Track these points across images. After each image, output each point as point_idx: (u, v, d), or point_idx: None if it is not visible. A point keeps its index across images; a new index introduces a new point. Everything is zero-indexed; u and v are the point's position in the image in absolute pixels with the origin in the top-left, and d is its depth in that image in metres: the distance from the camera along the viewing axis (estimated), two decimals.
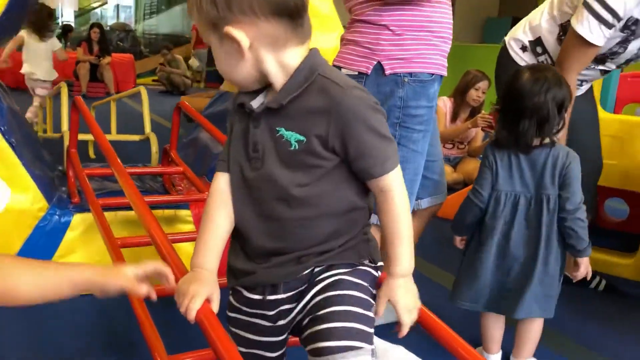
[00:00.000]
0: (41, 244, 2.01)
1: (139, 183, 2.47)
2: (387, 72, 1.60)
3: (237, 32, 0.88)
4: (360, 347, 0.90)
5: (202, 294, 0.93)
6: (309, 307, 0.95)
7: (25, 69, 4.93)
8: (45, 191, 2.05)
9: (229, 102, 1.02)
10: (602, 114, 2.77)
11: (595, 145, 2.35)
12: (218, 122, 2.17)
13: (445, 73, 1.69)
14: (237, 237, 1.00)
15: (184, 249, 1.98)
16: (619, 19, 1.84)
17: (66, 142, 2.64)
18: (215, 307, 0.94)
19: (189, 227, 2.19)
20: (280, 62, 0.91)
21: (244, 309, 1.02)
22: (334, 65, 1.75)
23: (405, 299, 0.95)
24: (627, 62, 2.12)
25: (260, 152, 0.94)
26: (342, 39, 1.78)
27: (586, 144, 1.93)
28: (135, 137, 3.37)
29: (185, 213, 2.20)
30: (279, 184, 0.93)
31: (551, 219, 1.61)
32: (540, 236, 1.60)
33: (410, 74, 1.61)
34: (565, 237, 1.61)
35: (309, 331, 0.93)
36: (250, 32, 0.88)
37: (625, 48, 2.00)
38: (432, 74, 1.64)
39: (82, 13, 16.52)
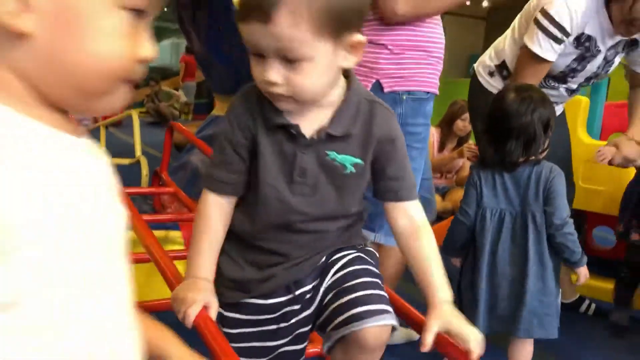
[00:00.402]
0: None
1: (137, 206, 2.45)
2: (386, 90, 1.64)
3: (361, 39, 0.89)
4: (391, 312, 0.92)
5: (199, 301, 0.93)
6: (331, 284, 0.97)
7: None
8: None
9: (234, 119, 0.97)
10: (589, 140, 2.83)
11: (567, 167, 2.39)
12: (209, 145, 2.19)
13: (437, 92, 1.72)
14: (241, 250, 1.00)
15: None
16: (567, 34, 1.91)
17: None
18: (213, 314, 0.94)
19: (179, 248, 2.18)
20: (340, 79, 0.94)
21: (258, 317, 1.01)
22: None
23: (467, 327, 0.92)
24: (589, 80, 2.17)
25: (309, 178, 0.94)
26: None
27: (558, 165, 1.97)
28: (126, 161, 3.38)
29: (176, 234, 2.19)
30: (329, 208, 0.96)
31: (539, 236, 1.62)
32: (528, 253, 1.61)
33: (408, 92, 1.64)
34: (558, 252, 1.62)
35: (338, 303, 0.94)
36: None
37: (584, 66, 2.06)
38: (428, 92, 1.68)
39: None
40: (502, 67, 2.21)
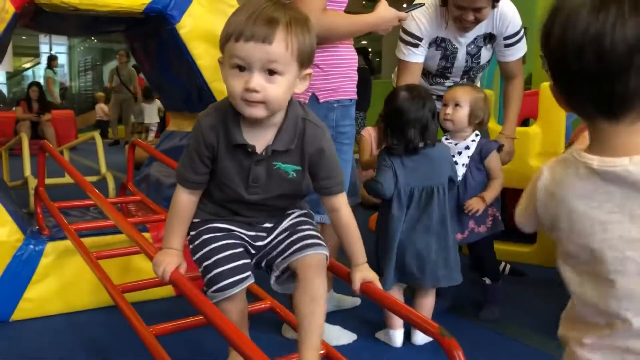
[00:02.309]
0: (19, 271, 2.28)
1: (100, 215, 2.76)
2: (321, 100, 2.00)
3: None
4: (324, 246, 1.33)
5: (173, 263, 1.30)
6: (285, 227, 1.36)
7: None
8: (21, 225, 2.32)
9: (201, 135, 1.24)
10: (496, 127, 3.26)
11: None
12: (170, 157, 2.54)
13: (357, 97, 2.11)
14: (216, 206, 1.33)
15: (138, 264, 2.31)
16: (418, 38, 2.39)
17: (31, 185, 2.91)
18: (183, 271, 1.32)
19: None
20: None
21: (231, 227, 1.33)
22: None
23: (373, 275, 1.32)
24: (466, 72, 2.58)
25: (260, 182, 1.26)
26: None
27: None
28: (93, 178, 3.64)
29: (146, 235, 2.50)
30: (274, 198, 1.29)
31: (442, 203, 2.03)
32: (432, 218, 2.01)
33: (338, 100, 2.01)
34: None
35: (287, 241, 1.32)
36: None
37: (452, 63, 2.51)
38: (351, 99, 2.06)
39: (14, 74, 16.47)
40: None
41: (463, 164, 2.29)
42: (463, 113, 2.25)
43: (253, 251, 1.35)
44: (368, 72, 6.18)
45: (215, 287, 1.27)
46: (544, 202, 0.89)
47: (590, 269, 0.84)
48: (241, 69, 1.12)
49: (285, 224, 1.35)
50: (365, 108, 6.07)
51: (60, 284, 2.35)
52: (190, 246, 1.33)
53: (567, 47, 0.78)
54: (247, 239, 1.33)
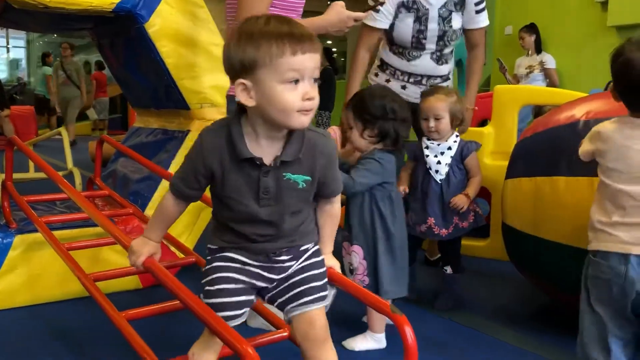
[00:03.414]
0: None
1: (67, 210, 2.79)
2: None
3: None
4: (326, 295, 1.38)
5: (147, 252, 1.37)
6: (299, 269, 1.36)
7: None
8: None
9: (201, 155, 1.24)
10: None
11: None
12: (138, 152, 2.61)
13: None
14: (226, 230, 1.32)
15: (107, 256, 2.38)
16: (381, 3, 2.49)
17: None
18: (157, 259, 1.39)
19: None
20: None
21: (239, 267, 1.32)
22: (228, 95, 2.24)
23: (336, 262, 1.44)
24: (440, 39, 2.66)
25: (271, 194, 1.24)
26: None
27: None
28: (59, 173, 3.64)
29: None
30: (287, 215, 1.28)
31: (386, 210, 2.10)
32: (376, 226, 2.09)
33: None
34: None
35: (295, 290, 1.34)
36: None
37: (426, 25, 2.61)
38: None
39: None
40: (381, 63, 2.81)
41: (446, 164, 2.43)
42: (445, 123, 2.40)
43: (265, 284, 1.35)
44: (332, 72, 6.31)
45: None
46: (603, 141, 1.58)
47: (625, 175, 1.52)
48: (295, 82, 1.15)
49: (302, 262, 1.36)
50: (330, 108, 6.19)
51: (28, 276, 2.39)
52: (204, 269, 1.36)
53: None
54: (260, 271, 1.33)
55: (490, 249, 3.26)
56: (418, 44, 2.67)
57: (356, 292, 1.32)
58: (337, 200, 1.41)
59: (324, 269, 1.38)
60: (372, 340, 2.08)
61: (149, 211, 2.64)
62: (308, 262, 1.35)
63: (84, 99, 9.23)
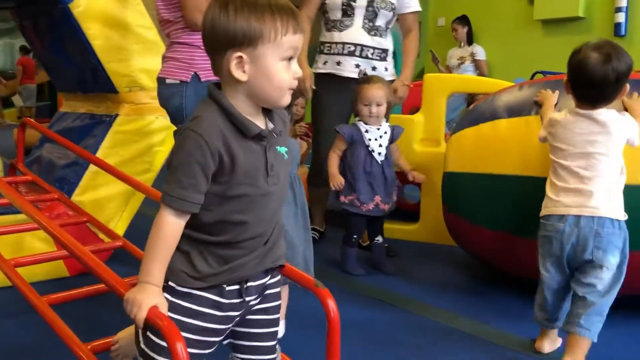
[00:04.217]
0: None
1: None
2: (203, 79, 2.11)
3: None
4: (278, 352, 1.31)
5: (149, 303, 1.06)
6: (256, 311, 1.23)
7: None
8: None
9: (206, 145, 1.08)
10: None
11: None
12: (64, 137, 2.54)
13: None
14: (209, 246, 1.14)
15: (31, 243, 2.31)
16: None
17: None
18: (164, 312, 1.08)
19: None
20: None
21: (208, 311, 1.14)
22: (159, 77, 2.21)
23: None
24: (370, 5, 2.91)
25: (276, 170, 1.16)
26: (163, 57, 2.25)
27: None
28: None
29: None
30: (284, 192, 1.22)
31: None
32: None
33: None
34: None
35: (248, 344, 1.24)
36: None
37: None
38: None
39: None
40: (320, 49, 3.03)
41: (385, 146, 2.72)
42: (383, 109, 2.72)
43: (231, 325, 1.21)
44: None
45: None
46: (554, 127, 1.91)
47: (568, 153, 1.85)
48: (289, 59, 1.12)
49: (261, 302, 1.22)
50: None
51: None
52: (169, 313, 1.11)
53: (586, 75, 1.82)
54: (233, 314, 1.18)
55: (420, 232, 3.35)
56: (348, 7, 2.88)
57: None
58: None
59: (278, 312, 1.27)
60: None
61: (76, 197, 2.57)
62: (272, 303, 1.24)
63: None
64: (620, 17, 5.50)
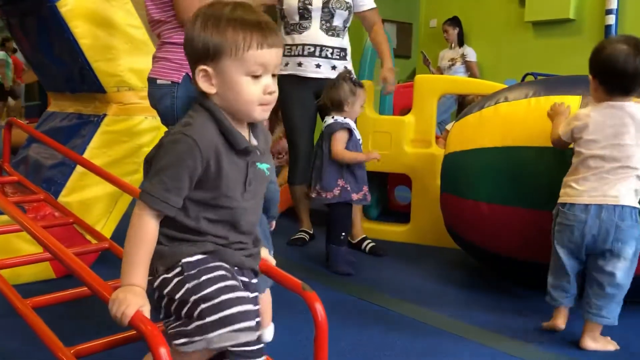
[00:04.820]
0: None
1: None
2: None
3: None
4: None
5: (135, 304, 1.06)
6: None
7: None
8: None
9: (198, 151, 1.10)
10: (374, 115, 3.49)
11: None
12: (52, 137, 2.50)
13: None
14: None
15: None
16: None
17: None
18: (147, 314, 1.07)
19: None
20: None
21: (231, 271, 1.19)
22: (150, 78, 2.19)
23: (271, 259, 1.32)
24: (326, 6, 2.99)
25: (252, 185, 1.19)
26: (154, 57, 2.22)
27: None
28: None
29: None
30: (259, 204, 1.26)
31: None
32: None
33: None
34: None
35: None
36: None
37: None
38: None
39: None
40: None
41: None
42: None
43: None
44: None
45: (227, 329, 1.08)
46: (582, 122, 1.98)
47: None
48: (256, 76, 1.12)
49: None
50: None
51: None
52: (183, 288, 1.12)
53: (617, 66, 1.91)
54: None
55: (410, 233, 3.34)
56: (305, 11, 2.95)
57: (267, 271, 1.32)
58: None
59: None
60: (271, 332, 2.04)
61: (63, 198, 2.54)
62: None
63: None
64: (611, 19, 5.52)
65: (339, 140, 2.72)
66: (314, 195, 2.78)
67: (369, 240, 3.14)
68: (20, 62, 10.69)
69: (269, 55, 1.12)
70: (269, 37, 1.12)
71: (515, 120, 2.40)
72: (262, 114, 1.15)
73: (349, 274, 2.72)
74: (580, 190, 1.94)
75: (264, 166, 1.22)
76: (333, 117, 2.78)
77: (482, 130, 2.53)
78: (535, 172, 2.27)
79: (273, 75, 1.16)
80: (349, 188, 2.74)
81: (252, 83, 1.12)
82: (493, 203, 2.41)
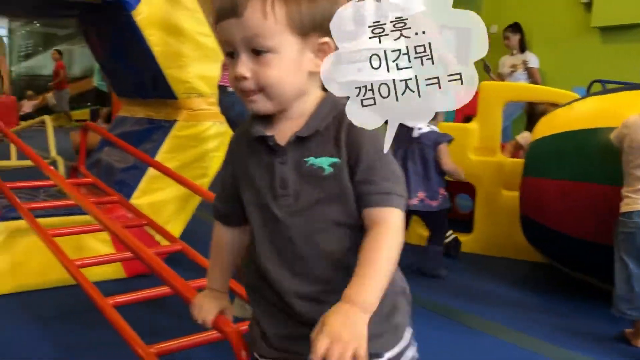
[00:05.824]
0: None
1: (49, 198, 2.77)
2: (230, 90, 2.05)
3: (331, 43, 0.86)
4: None
5: (215, 307, 1.05)
6: None
7: None
8: None
9: (228, 150, 1.01)
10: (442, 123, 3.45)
11: None
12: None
13: None
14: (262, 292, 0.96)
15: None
16: None
17: None
18: (230, 317, 1.08)
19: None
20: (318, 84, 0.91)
21: None
22: (220, 85, 2.23)
23: (336, 325, 0.77)
24: None
25: (290, 188, 0.89)
26: (223, 65, 2.27)
27: None
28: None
29: None
30: (315, 219, 0.89)
31: None
32: None
33: None
34: None
35: None
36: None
37: None
38: None
39: None
40: None
41: None
42: None
43: None
44: None
45: None
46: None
47: None
48: (230, 55, 0.89)
49: None
50: None
51: (11, 264, 2.37)
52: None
53: None
54: None
55: (473, 243, 3.29)
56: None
57: None
58: (378, 223, 0.87)
59: None
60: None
61: (134, 200, 2.63)
62: None
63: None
64: None
65: (447, 152, 2.79)
66: (415, 202, 2.77)
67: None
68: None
69: (224, 29, 0.88)
70: (222, 4, 0.88)
71: (606, 107, 2.53)
72: (250, 105, 0.91)
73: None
74: (634, 198, 2.03)
75: (322, 161, 0.89)
76: (428, 125, 2.81)
77: (572, 115, 2.67)
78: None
79: (260, 53, 0.87)
80: (447, 196, 2.85)
81: (230, 65, 0.90)
82: (578, 181, 2.47)
